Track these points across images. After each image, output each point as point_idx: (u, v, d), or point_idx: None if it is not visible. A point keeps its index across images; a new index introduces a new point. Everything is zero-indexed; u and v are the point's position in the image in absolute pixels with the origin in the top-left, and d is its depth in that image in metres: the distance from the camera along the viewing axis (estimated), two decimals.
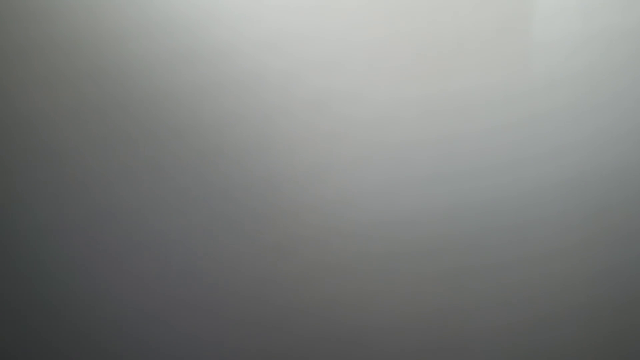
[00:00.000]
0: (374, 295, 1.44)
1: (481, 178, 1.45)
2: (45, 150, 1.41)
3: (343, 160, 1.44)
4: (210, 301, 1.42)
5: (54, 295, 1.41)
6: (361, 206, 1.44)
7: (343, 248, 1.44)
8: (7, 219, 1.40)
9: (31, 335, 1.40)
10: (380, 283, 1.44)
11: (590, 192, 1.45)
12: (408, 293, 1.44)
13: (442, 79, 1.45)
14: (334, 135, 1.44)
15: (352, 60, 1.44)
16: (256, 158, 1.43)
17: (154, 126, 1.42)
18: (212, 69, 1.43)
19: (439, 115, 1.45)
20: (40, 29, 1.41)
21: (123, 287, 1.41)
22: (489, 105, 1.45)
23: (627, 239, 1.44)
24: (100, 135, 1.42)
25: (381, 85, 1.44)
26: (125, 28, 1.42)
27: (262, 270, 1.43)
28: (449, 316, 1.44)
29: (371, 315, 1.43)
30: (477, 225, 1.44)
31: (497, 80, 1.45)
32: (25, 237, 1.40)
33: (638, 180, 1.45)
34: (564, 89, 1.45)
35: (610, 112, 1.45)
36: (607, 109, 1.46)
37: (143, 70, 1.42)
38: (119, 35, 1.42)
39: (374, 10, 1.44)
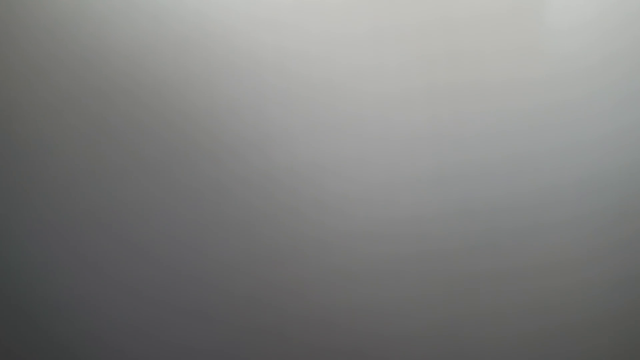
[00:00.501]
0: (377, 301, 1.43)
1: (494, 173, 1.44)
2: (26, 147, 1.40)
3: (346, 152, 1.44)
4: (204, 305, 1.42)
5: (39, 300, 1.40)
6: (365, 204, 1.43)
7: (346, 249, 1.43)
8: None
9: (17, 341, 1.39)
10: (385, 287, 1.43)
11: (610, 192, 1.45)
12: (414, 298, 1.43)
13: (452, 63, 1.45)
14: (337, 123, 1.43)
15: (355, 38, 1.44)
16: (253, 149, 1.43)
17: (142, 119, 1.42)
18: (204, 51, 1.43)
19: (448, 105, 1.45)
20: (16, 16, 1.41)
21: (110, 292, 1.41)
22: (501, 91, 1.45)
23: None
24: (85, 130, 1.41)
25: (387, 67, 1.44)
26: (111, 13, 1.42)
27: (258, 274, 1.42)
28: (457, 323, 1.43)
29: (374, 321, 1.42)
30: (487, 226, 1.43)
31: (510, 65, 1.45)
32: (9, 239, 1.39)
33: None
34: (579, 79, 1.45)
35: (629, 102, 1.45)
36: (625, 100, 1.45)
37: (130, 58, 1.42)
38: (104, 22, 1.41)
39: None
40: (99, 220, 1.40)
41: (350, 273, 1.43)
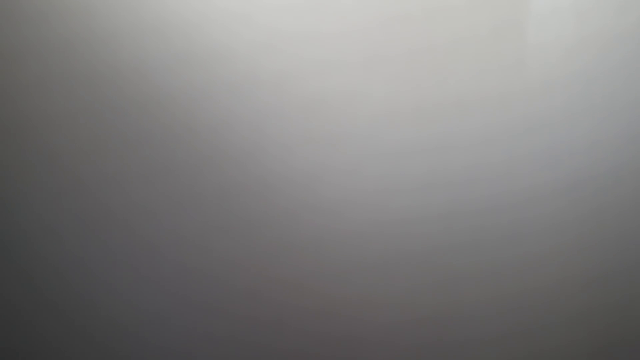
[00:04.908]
0: (370, 295, 1.44)
1: (476, 179, 1.45)
2: (41, 152, 1.41)
3: (339, 162, 1.44)
4: (207, 301, 1.42)
5: (52, 295, 1.40)
6: (357, 206, 1.44)
7: (339, 251, 1.44)
8: (4, 219, 1.40)
9: (31, 334, 1.40)
10: (376, 286, 1.44)
11: (584, 192, 1.45)
12: (404, 296, 1.44)
13: (437, 81, 1.45)
14: (330, 136, 1.44)
15: (348, 61, 1.44)
16: (252, 159, 1.43)
17: (148, 128, 1.42)
18: (207, 70, 1.43)
19: (434, 117, 1.45)
20: (34, 31, 1.41)
21: (120, 286, 1.41)
22: (484, 107, 1.45)
23: (621, 241, 1.45)
24: (96, 137, 1.41)
25: (377, 87, 1.44)
26: (119, 30, 1.42)
27: (258, 270, 1.43)
28: (445, 315, 1.44)
29: (367, 315, 1.43)
30: (472, 226, 1.44)
31: (492, 82, 1.45)
32: (23, 238, 1.40)
33: (632, 183, 1.45)
34: (559, 92, 1.45)
35: (604, 114, 1.45)
36: (601, 112, 1.45)
37: (138, 72, 1.42)
38: (113, 36, 1.42)
39: (370, 13, 1.44)
40: (110, 221, 1.41)
41: (343, 269, 1.43)
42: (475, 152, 1.45)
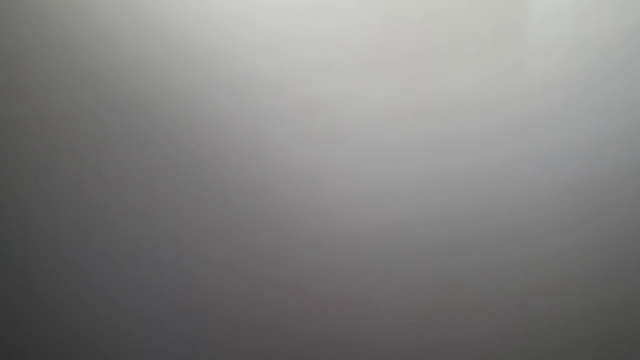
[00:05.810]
0: (369, 298, 1.44)
1: (476, 181, 1.45)
2: (40, 152, 1.41)
3: (338, 163, 1.44)
4: (205, 303, 1.43)
5: (49, 297, 1.40)
6: (357, 209, 1.44)
7: (338, 250, 1.44)
8: (2, 220, 1.40)
9: (27, 336, 1.40)
10: (376, 285, 1.44)
11: (585, 194, 1.45)
12: (403, 295, 1.45)
13: (437, 82, 1.45)
14: (329, 138, 1.44)
15: (348, 63, 1.44)
16: (251, 161, 1.43)
17: (147, 130, 1.42)
18: (207, 71, 1.43)
19: (434, 118, 1.45)
20: (34, 32, 1.41)
21: (118, 289, 1.42)
22: (484, 109, 1.45)
23: (621, 241, 1.45)
24: (95, 138, 1.41)
25: (376, 89, 1.44)
26: (118, 31, 1.42)
27: (256, 273, 1.43)
28: (445, 318, 1.44)
29: (366, 318, 1.44)
30: (472, 228, 1.45)
31: (493, 83, 1.45)
32: (21, 239, 1.40)
33: (632, 183, 1.45)
34: (559, 93, 1.46)
35: (605, 114, 1.46)
36: (601, 112, 1.46)
37: (137, 73, 1.42)
38: (112, 38, 1.42)
39: (369, 14, 1.44)
40: (108, 222, 1.41)
41: (342, 272, 1.43)
42: (475, 154, 1.45)
